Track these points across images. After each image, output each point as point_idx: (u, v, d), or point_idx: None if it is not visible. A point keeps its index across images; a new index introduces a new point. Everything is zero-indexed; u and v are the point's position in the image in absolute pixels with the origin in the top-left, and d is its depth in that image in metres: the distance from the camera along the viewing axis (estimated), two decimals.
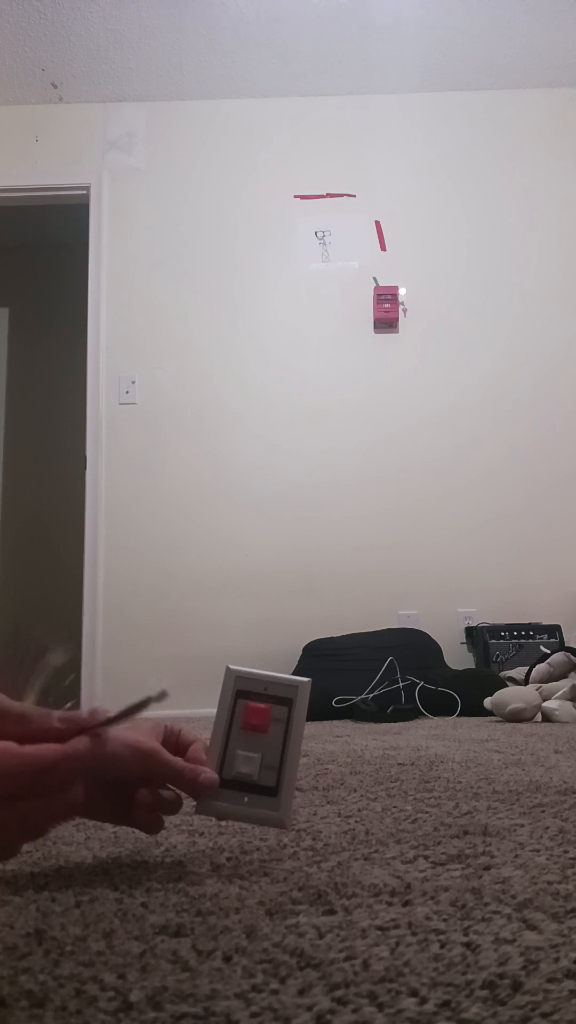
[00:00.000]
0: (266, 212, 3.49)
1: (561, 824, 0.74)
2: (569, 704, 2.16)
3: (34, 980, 0.39)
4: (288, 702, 0.59)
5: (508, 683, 2.51)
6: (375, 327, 3.39)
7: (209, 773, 0.59)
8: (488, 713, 2.28)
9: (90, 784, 0.54)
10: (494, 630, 3.02)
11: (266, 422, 3.33)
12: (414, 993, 0.36)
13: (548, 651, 2.62)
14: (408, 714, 2.33)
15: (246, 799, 0.58)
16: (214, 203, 3.50)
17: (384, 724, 2.19)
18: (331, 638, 2.99)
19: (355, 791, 0.97)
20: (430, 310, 3.40)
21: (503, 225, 3.47)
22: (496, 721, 2.18)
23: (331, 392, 3.35)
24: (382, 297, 3.36)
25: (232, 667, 0.60)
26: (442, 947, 0.42)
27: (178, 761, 0.58)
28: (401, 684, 2.48)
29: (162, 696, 0.49)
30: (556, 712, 2.13)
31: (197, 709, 2.44)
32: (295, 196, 3.50)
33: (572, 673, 2.46)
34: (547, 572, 3.19)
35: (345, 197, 3.50)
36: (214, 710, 0.61)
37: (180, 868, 0.61)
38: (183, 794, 0.60)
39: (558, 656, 2.49)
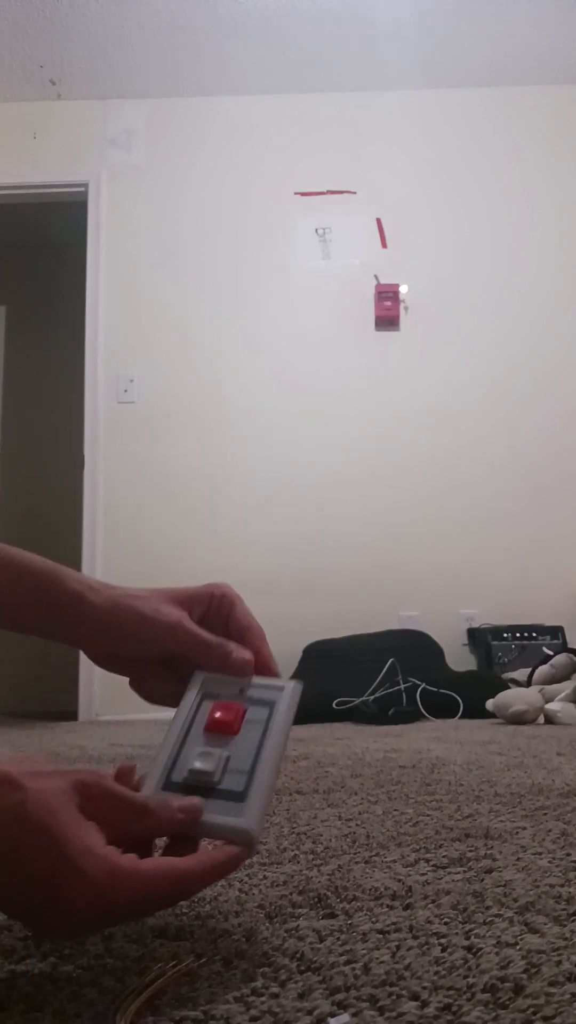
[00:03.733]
0: (266, 209, 3.49)
1: (563, 827, 0.73)
2: (572, 706, 2.16)
3: (32, 983, 0.39)
4: (270, 704, 0.49)
5: (510, 685, 2.51)
6: (376, 325, 3.38)
7: (244, 652, 0.50)
8: (490, 715, 2.27)
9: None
10: (496, 631, 3.01)
11: (266, 421, 3.32)
12: (415, 997, 0.36)
13: (551, 652, 2.62)
14: (409, 716, 2.33)
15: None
16: (214, 201, 3.50)
17: (385, 726, 2.19)
18: (332, 639, 2.98)
19: (356, 794, 0.97)
20: (431, 308, 3.39)
21: (503, 225, 3.46)
22: (498, 723, 2.17)
23: (331, 390, 3.34)
24: (383, 295, 3.35)
25: (199, 671, 0.51)
26: (443, 951, 0.42)
27: (204, 634, 0.50)
28: (402, 686, 2.47)
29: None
30: (559, 714, 2.12)
31: None
32: (296, 193, 3.50)
33: (575, 675, 2.45)
34: (549, 573, 3.18)
35: (346, 194, 3.50)
36: None
37: None
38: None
39: (561, 657, 2.49)
